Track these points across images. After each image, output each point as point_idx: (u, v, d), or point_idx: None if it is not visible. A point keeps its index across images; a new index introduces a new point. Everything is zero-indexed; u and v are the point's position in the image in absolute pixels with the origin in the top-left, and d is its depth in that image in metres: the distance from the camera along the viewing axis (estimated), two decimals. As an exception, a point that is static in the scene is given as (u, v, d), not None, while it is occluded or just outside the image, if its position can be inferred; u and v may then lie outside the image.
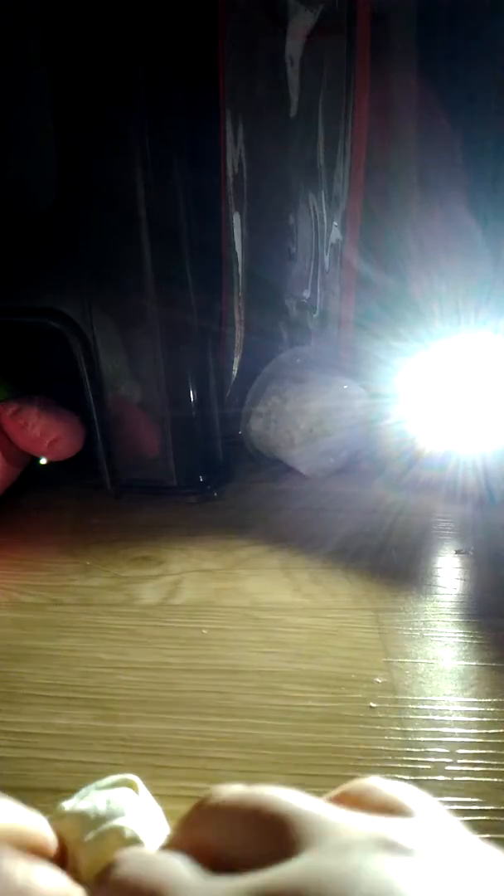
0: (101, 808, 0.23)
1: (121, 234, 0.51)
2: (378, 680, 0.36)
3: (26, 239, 0.53)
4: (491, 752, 0.32)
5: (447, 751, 0.32)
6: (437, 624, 0.41)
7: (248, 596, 0.44)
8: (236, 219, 0.62)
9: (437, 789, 0.30)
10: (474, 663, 0.38)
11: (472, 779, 0.30)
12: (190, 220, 0.53)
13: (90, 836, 0.22)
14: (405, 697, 0.35)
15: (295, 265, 0.65)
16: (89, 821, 0.23)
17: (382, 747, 0.32)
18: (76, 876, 0.22)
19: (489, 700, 0.35)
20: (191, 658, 0.39)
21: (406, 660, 0.38)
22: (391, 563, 0.48)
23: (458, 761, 0.31)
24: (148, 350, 0.54)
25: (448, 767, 0.31)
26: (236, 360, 0.67)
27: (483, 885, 0.14)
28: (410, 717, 0.34)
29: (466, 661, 0.38)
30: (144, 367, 0.54)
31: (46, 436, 0.55)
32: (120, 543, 0.52)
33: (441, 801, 0.29)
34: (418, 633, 0.40)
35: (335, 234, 0.62)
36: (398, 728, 0.33)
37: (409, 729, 0.33)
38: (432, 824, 0.17)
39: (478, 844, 0.16)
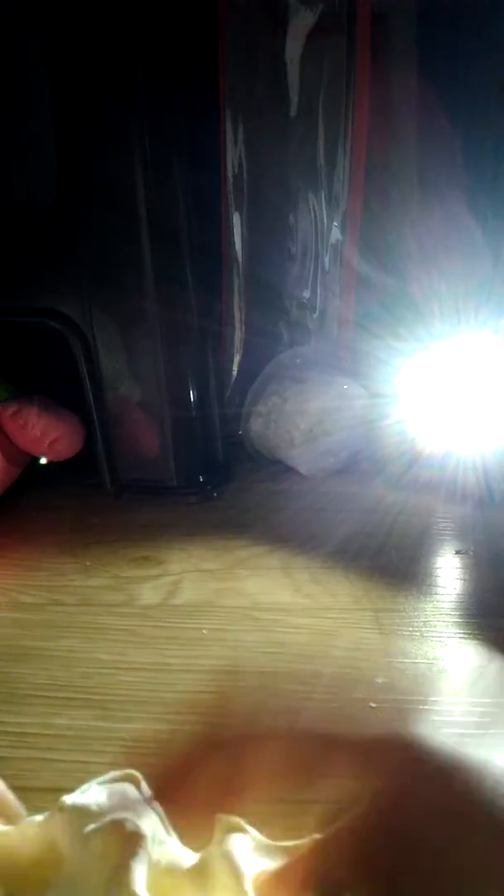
0: (103, 802, 0.23)
1: (121, 234, 0.51)
2: (378, 680, 0.36)
3: (26, 239, 0.53)
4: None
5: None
6: (437, 624, 0.41)
7: (248, 596, 0.44)
8: (236, 219, 0.62)
9: (437, 789, 0.30)
10: (474, 663, 0.38)
11: (472, 779, 0.30)
12: (190, 220, 0.53)
13: (90, 828, 0.22)
14: (405, 697, 0.35)
15: (295, 265, 0.65)
16: (91, 814, 0.23)
17: (382, 747, 0.32)
18: (62, 870, 0.22)
19: (489, 700, 0.35)
20: (191, 658, 0.39)
21: (406, 660, 0.38)
22: (391, 563, 0.48)
23: (458, 761, 0.31)
24: (148, 350, 0.54)
25: (448, 767, 0.31)
26: (236, 360, 0.67)
27: None
28: (410, 717, 0.34)
29: (466, 661, 0.38)
30: (144, 367, 0.54)
31: (46, 436, 0.55)
32: (120, 543, 0.52)
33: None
34: (418, 633, 0.40)
35: (335, 234, 0.62)
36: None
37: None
38: None
39: None
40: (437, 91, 0.58)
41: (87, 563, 0.49)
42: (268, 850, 0.24)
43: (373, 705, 0.35)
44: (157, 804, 0.25)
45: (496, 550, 0.50)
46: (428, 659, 0.38)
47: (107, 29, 0.48)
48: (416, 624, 0.41)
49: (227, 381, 0.66)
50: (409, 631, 0.41)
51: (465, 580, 0.46)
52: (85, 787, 0.25)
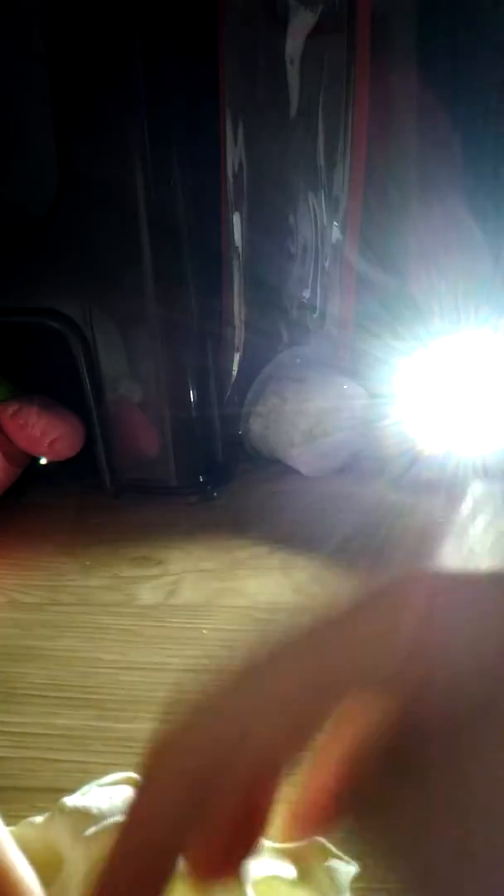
0: (103, 804, 0.24)
1: (121, 234, 0.51)
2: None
3: (26, 239, 0.53)
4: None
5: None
6: (436, 624, 0.41)
7: (248, 596, 0.44)
8: (236, 219, 0.62)
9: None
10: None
11: (472, 779, 0.30)
12: (190, 220, 0.53)
13: (91, 831, 0.22)
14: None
15: (295, 265, 0.65)
16: (91, 817, 0.23)
17: (382, 747, 0.32)
18: (61, 871, 0.22)
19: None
20: (191, 658, 0.38)
21: (406, 660, 0.38)
22: (391, 563, 0.48)
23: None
24: (148, 350, 0.54)
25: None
26: (236, 360, 0.67)
27: None
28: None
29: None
30: (144, 367, 0.54)
31: (46, 436, 0.55)
32: (120, 543, 0.51)
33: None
34: (418, 633, 0.40)
35: (335, 234, 0.62)
36: (398, 728, 0.33)
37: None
38: None
39: None
40: (437, 91, 0.58)
41: (87, 563, 0.49)
42: (266, 849, 0.24)
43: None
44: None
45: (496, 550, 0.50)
46: (428, 659, 0.38)
47: (107, 29, 0.48)
48: (415, 624, 0.41)
49: (227, 381, 0.66)
50: (409, 631, 0.41)
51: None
52: (85, 789, 0.25)
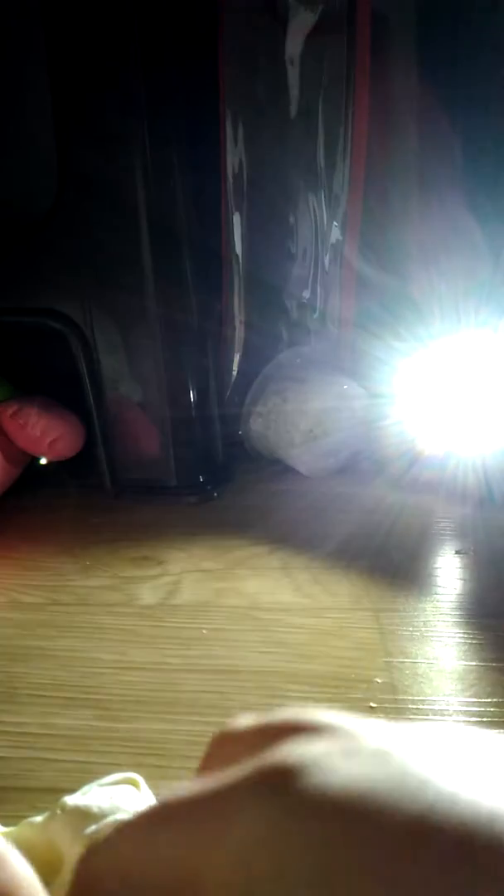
0: (104, 803, 0.24)
1: (121, 234, 0.51)
2: (378, 680, 0.36)
3: (26, 239, 0.53)
4: (491, 752, 0.32)
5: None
6: (437, 624, 0.41)
7: (248, 596, 0.44)
8: (236, 219, 0.62)
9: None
10: (474, 663, 0.38)
11: (472, 779, 0.30)
12: (190, 220, 0.53)
13: (91, 829, 0.22)
14: (405, 697, 0.35)
15: (295, 265, 0.65)
16: (91, 815, 0.23)
17: (382, 747, 0.32)
18: (61, 871, 0.22)
19: (489, 700, 0.35)
20: (191, 658, 0.38)
21: (406, 660, 0.38)
22: (391, 563, 0.48)
23: (458, 761, 0.31)
24: (148, 350, 0.54)
25: (448, 767, 0.31)
26: (236, 360, 0.67)
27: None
28: (410, 717, 0.34)
29: (466, 661, 0.38)
30: (144, 367, 0.54)
31: (46, 436, 0.55)
32: (120, 543, 0.51)
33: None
34: (418, 633, 0.40)
35: (335, 234, 0.62)
36: (398, 728, 0.33)
37: (409, 729, 0.33)
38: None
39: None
40: (437, 91, 0.58)
41: (87, 563, 0.49)
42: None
43: (373, 705, 0.35)
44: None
45: (496, 550, 0.50)
46: (428, 659, 0.38)
47: (107, 29, 0.48)
48: (416, 624, 0.41)
49: (227, 381, 0.66)
50: (409, 631, 0.41)
51: (465, 580, 0.46)
52: (86, 788, 0.25)
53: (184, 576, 0.47)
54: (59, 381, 0.58)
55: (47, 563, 0.49)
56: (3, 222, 0.53)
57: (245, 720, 0.16)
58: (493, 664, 0.38)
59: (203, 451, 0.60)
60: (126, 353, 0.54)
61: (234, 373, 0.67)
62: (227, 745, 0.16)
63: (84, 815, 0.23)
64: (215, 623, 0.42)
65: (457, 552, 0.50)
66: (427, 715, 0.34)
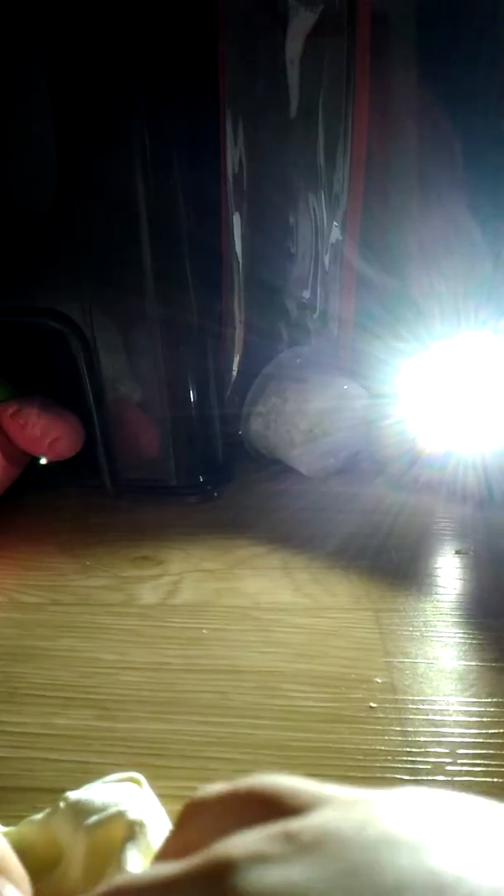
0: (106, 797, 0.24)
1: (121, 233, 0.51)
2: (378, 680, 0.36)
3: (26, 239, 0.53)
4: (491, 752, 0.32)
5: (447, 751, 0.32)
6: (437, 624, 0.41)
7: (248, 596, 0.44)
8: (236, 219, 0.62)
9: (438, 789, 0.30)
10: (474, 663, 0.38)
11: (472, 779, 0.30)
12: (190, 220, 0.53)
13: (93, 819, 0.23)
14: (405, 697, 0.35)
15: (295, 265, 0.65)
16: (93, 807, 0.23)
17: (382, 747, 0.32)
18: (59, 862, 0.22)
19: (489, 700, 0.35)
20: (191, 658, 0.39)
21: (406, 660, 0.38)
22: (391, 563, 0.48)
23: (458, 761, 0.31)
24: (148, 350, 0.54)
25: (448, 767, 0.31)
26: (236, 360, 0.67)
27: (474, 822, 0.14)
28: (410, 717, 0.34)
29: (466, 661, 0.38)
30: (144, 367, 0.54)
31: (46, 436, 0.55)
32: (120, 543, 0.52)
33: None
34: (418, 633, 0.40)
35: (335, 234, 0.62)
36: (398, 728, 0.33)
37: (409, 729, 0.33)
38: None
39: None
40: (437, 91, 0.58)
41: (87, 563, 0.49)
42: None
43: (373, 705, 0.35)
44: (159, 805, 0.25)
45: (496, 550, 0.50)
46: (428, 659, 0.38)
47: (107, 29, 0.48)
48: (416, 624, 0.41)
49: (227, 381, 0.66)
50: (409, 631, 0.41)
51: (465, 580, 0.46)
52: (88, 786, 0.25)
53: (184, 576, 0.47)
54: (59, 381, 0.58)
55: (47, 563, 0.49)
56: (3, 222, 0.53)
57: (214, 788, 0.18)
58: (493, 664, 0.38)
59: (203, 451, 0.60)
60: (126, 353, 0.54)
61: (234, 373, 0.67)
62: (196, 814, 0.18)
63: (85, 808, 0.23)
64: (215, 623, 0.42)
65: (457, 552, 0.50)
66: (427, 715, 0.34)
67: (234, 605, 0.43)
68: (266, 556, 0.49)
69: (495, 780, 0.30)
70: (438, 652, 0.39)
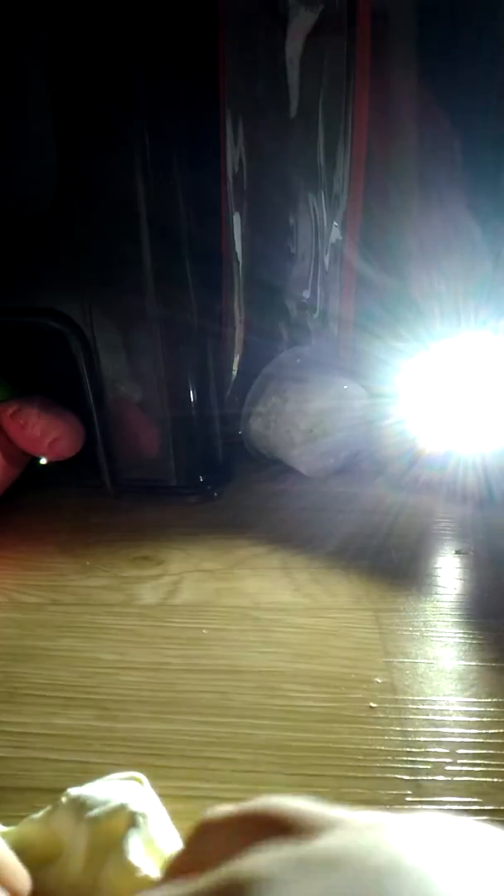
0: (108, 793, 0.24)
1: (121, 234, 0.51)
2: (378, 680, 0.36)
3: (26, 239, 0.53)
4: (491, 752, 0.32)
5: (447, 751, 0.32)
6: (437, 624, 0.41)
7: (248, 596, 0.44)
8: (236, 219, 0.62)
9: (437, 789, 0.30)
10: (474, 663, 0.38)
11: (472, 779, 0.30)
12: (190, 220, 0.53)
13: (94, 812, 0.23)
14: (405, 697, 0.35)
15: (295, 265, 0.65)
16: (95, 802, 0.23)
17: (382, 747, 0.32)
18: (60, 856, 0.23)
19: (489, 700, 0.35)
20: (191, 658, 0.39)
21: (406, 660, 0.38)
22: (391, 563, 0.48)
23: (458, 761, 0.31)
24: (148, 350, 0.54)
25: (448, 767, 0.31)
26: (236, 360, 0.67)
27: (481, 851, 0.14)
28: (410, 717, 0.34)
29: (466, 661, 0.38)
30: (144, 367, 0.54)
31: (46, 436, 0.55)
32: (120, 543, 0.52)
33: (441, 802, 0.29)
34: (418, 633, 0.40)
35: (335, 234, 0.62)
36: (398, 728, 0.33)
37: (409, 729, 0.33)
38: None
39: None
40: (438, 91, 0.58)
41: (87, 563, 0.49)
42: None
43: (373, 705, 0.35)
44: (159, 805, 0.25)
45: (496, 550, 0.50)
46: (428, 659, 0.38)
47: (107, 29, 0.48)
48: (416, 624, 0.41)
49: (227, 381, 0.66)
50: (409, 631, 0.41)
51: (465, 580, 0.46)
52: (90, 784, 0.25)
53: (184, 576, 0.47)
54: (59, 381, 0.58)
55: (47, 563, 0.49)
56: (3, 222, 0.53)
57: (224, 809, 0.18)
58: (493, 664, 0.38)
59: (203, 451, 0.60)
60: (126, 353, 0.54)
61: (234, 373, 0.67)
62: (208, 832, 0.18)
63: (87, 802, 0.23)
64: (215, 623, 0.42)
65: (457, 552, 0.50)
66: (427, 715, 0.34)
67: (234, 605, 0.43)
68: (266, 556, 0.49)
69: (495, 780, 0.30)
70: (438, 652, 0.39)
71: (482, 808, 0.29)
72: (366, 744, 0.32)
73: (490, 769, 0.31)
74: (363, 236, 0.61)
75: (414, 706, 0.35)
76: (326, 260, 0.63)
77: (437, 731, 0.33)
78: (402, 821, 0.15)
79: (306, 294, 0.65)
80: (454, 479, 0.56)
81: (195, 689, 0.36)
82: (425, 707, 0.35)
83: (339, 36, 0.56)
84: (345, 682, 0.36)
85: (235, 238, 0.63)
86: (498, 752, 0.32)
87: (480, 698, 0.35)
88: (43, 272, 0.53)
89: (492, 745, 0.32)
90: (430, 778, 0.30)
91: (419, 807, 0.29)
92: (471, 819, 0.16)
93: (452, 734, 0.33)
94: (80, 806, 0.23)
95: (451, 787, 0.30)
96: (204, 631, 0.41)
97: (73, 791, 0.24)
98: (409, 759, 0.31)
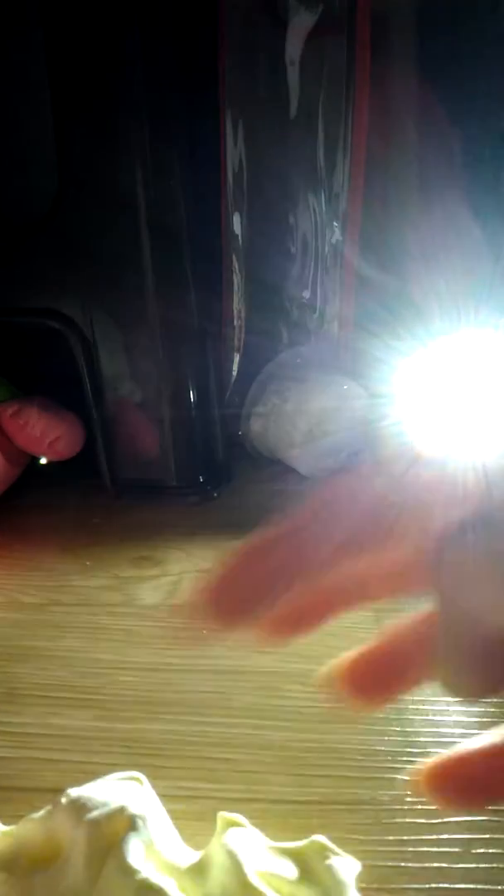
0: (108, 794, 0.24)
1: (121, 234, 0.51)
2: (378, 680, 0.36)
3: (26, 239, 0.53)
4: (491, 752, 0.32)
5: (447, 751, 0.32)
6: (437, 624, 0.41)
7: (248, 596, 0.44)
8: (236, 219, 0.62)
9: (437, 789, 0.30)
10: (474, 663, 0.38)
11: (472, 779, 0.30)
12: (190, 220, 0.53)
13: (94, 814, 0.23)
14: (405, 697, 0.35)
15: (295, 265, 0.65)
16: (95, 802, 0.23)
17: (382, 747, 0.32)
18: (59, 857, 0.23)
19: (489, 700, 0.35)
20: (191, 658, 0.38)
21: (406, 660, 0.38)
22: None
23: (458, 761, 0.31)
24: (148, 350, 0.54)
25: (448, 767, 0.31)
26: (236, 360, 0.67)
27: None
28: (410, 717, 0.34)
29: (466, 661, 0.38)
30: (144, 367, 0.54)
31: (46, 436, 0.55)
32: (120, 543, 0.51)
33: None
34: (418, 633, 0.40)
35: (335, 234, 0.62)
36: (398, 728, 0.33)
37: (409, 729, 0.33)
38: None
39: None
40: (438, 91, 0.58)
41: (87, 563, 0.49)
42: (267, 849, 0.24)
43: (373, 705, 0.35)
44: (159, 804, 0.25)
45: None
46: (428, 659, 0.38)
47: (107, 29, 0.48)
48: (416, 624, 0.41)
49: (227, 381, 0.66)
50: (409, 631, 0.41)
51: (465, 580, 0.46)
52: (89, 785, 0.25)
53: (184, 576, 0.47)
54: (59, 381, 0.58)
55: (47, 563, 0.49)
56: (3, 222, 0.53)
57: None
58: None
59: (203, 451, 0.60)
60: (126, 353, 0.54)
61: (234, 373, 0.67)
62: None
63: (87, 803, 0.23)
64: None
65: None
66: (427, 715, 0.34)
67: (234, 605, 0.43)
68: (266, 556, 0.49)
69: (495, 780, 0.30)
70: (438, 652, 0.39)
71: (482, 808, 0.29)
72: (366, 744, 0.32)
73: (490, 769, 0.31)
74: (363, 236, 0.61)
75: (414, 706, 0.35)
76: (326, 260, 0.63)
77: (437, 732, 0.33)
78: None
79: (306, 294, 0.65)
80: (454, 480, 0.56)
81: (195, 689, 0.36)
82: (425, 707, 0.35)
83: (339, 36, 0.56)
84: (345, 682, 0.36)
85: (235, 238, 0.63)
86: (498, 752, 0.32)
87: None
88: (43, 272, 0.53)
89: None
90: (430, 778, 0.30)
91: (419, 807, 0.29)
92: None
93: (452, 734, 0.33)
94: (80, 807, 0.23)
95: (451, 787, 0.30)
96: (204, 631, 0.41)
97: (73, 791, 0.24)
98: (410, 759, 0.31)
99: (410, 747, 0.32)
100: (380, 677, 0.17)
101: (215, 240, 0.62)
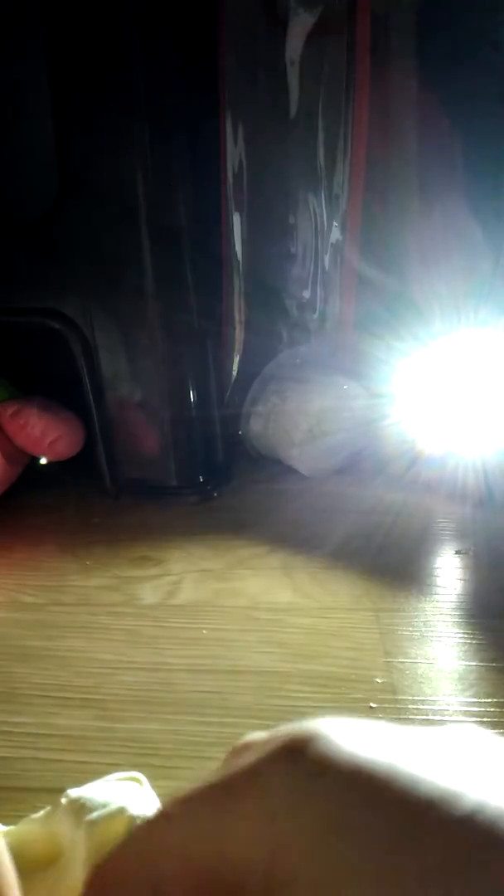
0: (108, 794, 0.24)
1: (121, 234, 0.51)
2: (378, 680, 0.36)
3: (26, 239, 0.53)
4: (491, 752, 0.32)
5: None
6: (437, 624, 0.41)
7: (248, 596, 0.44)
8: (236, 219, 0.62)
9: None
10: (474, 663, 0.38)
11: (472, 779, 0.30)
12: (190, 220, 0.53)
13: (94, 815, 0.23)
14: (405, 698, 0.35)
15: (295, 265, 0.65)
16: (95, 804, 0.23)
17: (382, 747, 0.32)
18: (59, 860, 0.23)
19: (489, 700, 0.35)
20: (190, 658, 0.39)
21: (406, 660, 0.38)
22: (391, 563, 0.48)
23: (458, 761, 0.31)
24: (148, 350, 0.54)
25: (448, 767, 0.31)
26: (236, 360, 0.67)
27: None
28: (410, 717, 0.34)
29: (466, 661, 0.38)
30: (144, 367, 0.54)
31: (46, 436, 0.55)
32: (120, 543, 0.52)
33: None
34: (418, 633, 0.40)
35: (335, 234, 0.62)
36: (398, 728, 0.33)
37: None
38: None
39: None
40: (438, 91, 0.58)
41: (87, 563, 0.49)
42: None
43: (373, 705, 0.35)
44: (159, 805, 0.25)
45: (496, 550, 0.50)
46: (428, 659, 0.38)
47: (107, 30, 0.48)
48: (416, 624, 0.41)
49: (227, 381, 0.66)
50: (409, 631, 0.41)
51: (465, 580, 0.46)
52: (89, 785, 0.25)
53: (184, 576, 0.47)
54: (59, 381, 0.58)
55: (47, 563, 0.49)
56: (3, 222, 0.53)
57: (258, 734, 0.18)
58: (493, 664, 0.38)
59: (203, 451, 0.60)
60: (126, 353, 0.54)
61: (234, 373, 0.67)
62: (240, 755, 0.18)
63: (86, 805, 0.23)
64: (215, 623, 0.42)
65: (457, 552, 0.50)
66: (427, 715, 0.34)
67: (233, 606, 0.43)
68: (266, 556, 0.49)
69: (495, 780, 0.30)
70: (438, 652, 0.39)
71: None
72: (366, 744, 0.32)
73: (490, 769, 0.31)
74: (363, 236, 0.61)
75: (414, 706, 0.35)
76: (326, 260, 0.63)
77: (437, 731, 0.33)
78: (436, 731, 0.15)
79: (306, 294, 0.65)
80: (454, 480, 0.56)
81: (195, 689, 0.36)
82: (425, 707, 0.35)
83: (339, 36, 0.56)
84: (345, 682, 0.36)
85: (235, 238, 0.63)
86: (498, 752, 0.32)
87: (480, 698, 0.35)
88: (43, 272, 0.53)
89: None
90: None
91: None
92: None
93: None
94: (80, 809, 0.23)
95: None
96: (204, 631, 0.41)
97: (73, 792, 0.24)
98: (409, 759, 0.31)
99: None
100: None
101: (215, 240, 0.62)
